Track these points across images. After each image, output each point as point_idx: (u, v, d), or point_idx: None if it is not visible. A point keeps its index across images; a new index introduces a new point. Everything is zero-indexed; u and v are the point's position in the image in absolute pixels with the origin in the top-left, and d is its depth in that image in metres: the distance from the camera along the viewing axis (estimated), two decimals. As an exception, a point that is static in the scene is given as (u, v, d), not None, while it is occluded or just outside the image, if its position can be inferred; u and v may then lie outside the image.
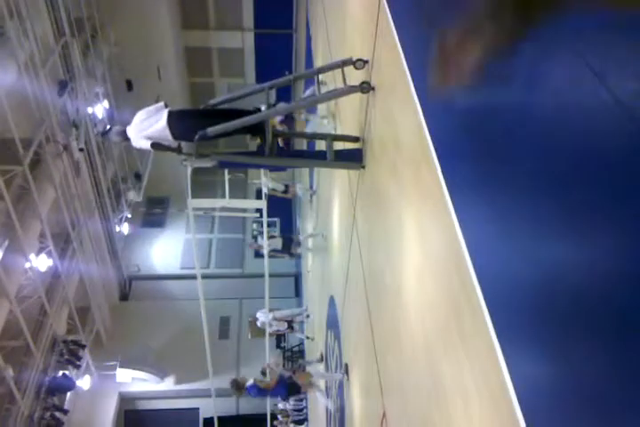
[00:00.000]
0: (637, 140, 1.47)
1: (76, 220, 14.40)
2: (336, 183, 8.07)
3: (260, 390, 8.20)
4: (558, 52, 1.85)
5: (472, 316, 2.43)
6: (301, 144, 12.89)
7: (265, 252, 11.06)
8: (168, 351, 17.11)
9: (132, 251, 20.17)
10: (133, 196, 17.95)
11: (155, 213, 21.76)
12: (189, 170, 6.99)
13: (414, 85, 3.42)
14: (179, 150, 4.98)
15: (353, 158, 5.25)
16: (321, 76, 5.46)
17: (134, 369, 16.52)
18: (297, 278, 19.68)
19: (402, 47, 3.74)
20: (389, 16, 4.08)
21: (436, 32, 3.21)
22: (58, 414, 13.37)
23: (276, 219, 19.63)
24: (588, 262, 1.70)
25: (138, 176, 18.98)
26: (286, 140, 6.01)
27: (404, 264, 3.79)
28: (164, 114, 4.90)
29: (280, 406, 15.36)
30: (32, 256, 11.85)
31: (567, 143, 1.82)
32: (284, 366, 11.05)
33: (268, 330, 11.59)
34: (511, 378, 2.07)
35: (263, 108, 4.80)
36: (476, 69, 2.58)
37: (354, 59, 4.88)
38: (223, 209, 12.77)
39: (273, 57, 18.29)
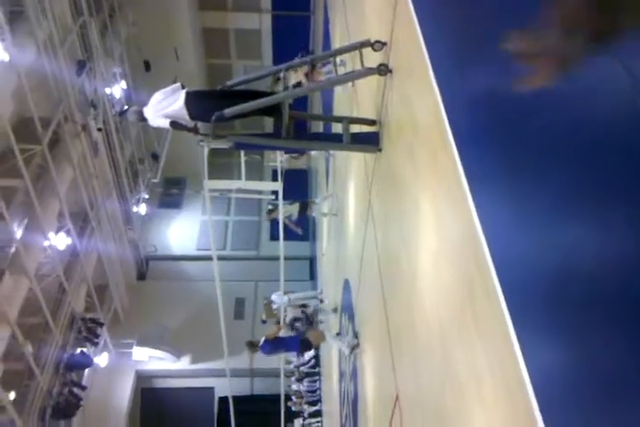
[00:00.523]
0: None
1: (94, 199, 14.53)
2: (352, 167, 8.03)
3: (272, 346, 8.29)
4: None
5: (487, 302, 2.41)
6: (318, 127, 12.84)
7: (280, 218, 11.01)
8: (184, 331, 17.32)
9: (149, 231, 20.35)
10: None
11: (172, 194, 21.86)
12: (206, 151, 6.98)
13: (432, 68, 3.36)
14: (196, 130, 4.98)
15: (369, 141, 5.21)
16: (338, 58, 5.40)
17: (151, 348, 16.79)
18: (312, 262, 19.76)
19: (420, 29, 3.68)
20: (409, -3, 4.00)
21: (455, 14, 3.15)
22: (76, 389, 13.65)
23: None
24: (606, 248, 1.68)
25: (155, 157, 19.04)
26: (302, 121, 5.96)
27: (420, 249, 3.77)
28: (182, 94, 4.91)
29: (294, 387, 15.54)
30: (51, 235, 12.01)
31: (588, 128, 1.79)
32: (298, 320, 11.22)
33: (282, 318, 11.61)
34: (526, 364, 2.06)
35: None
36: (496, 52, 2.53)
37: (372, 40, 4.82)
38: (239, 191, 12.76)
39: (290, 39, 18.06)
